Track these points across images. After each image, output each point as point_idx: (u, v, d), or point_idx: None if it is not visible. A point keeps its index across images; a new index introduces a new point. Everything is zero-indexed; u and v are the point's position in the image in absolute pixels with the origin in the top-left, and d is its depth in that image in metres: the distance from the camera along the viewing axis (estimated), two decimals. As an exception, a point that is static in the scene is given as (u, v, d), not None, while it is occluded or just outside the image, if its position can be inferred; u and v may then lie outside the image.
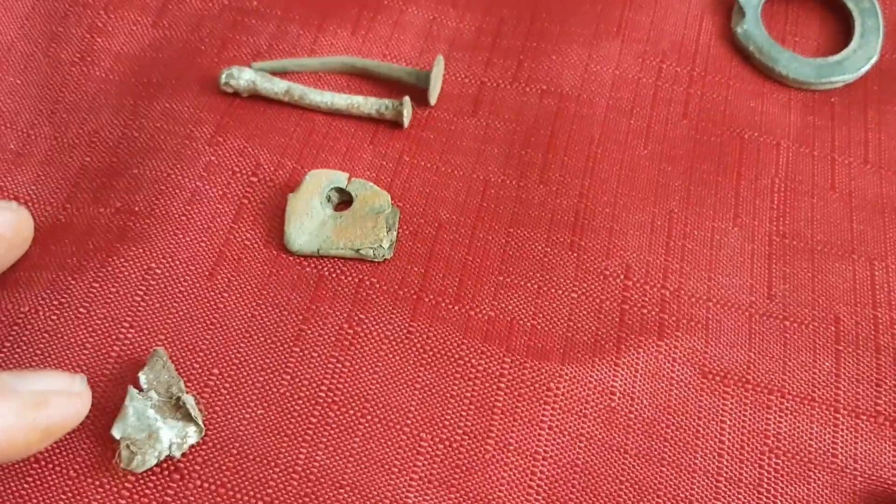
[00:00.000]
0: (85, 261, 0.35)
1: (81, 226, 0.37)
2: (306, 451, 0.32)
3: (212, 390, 0.33)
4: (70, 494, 0.30)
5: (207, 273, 0.35)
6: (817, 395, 0.34)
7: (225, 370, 0.33)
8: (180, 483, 0.31)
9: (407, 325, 0.35)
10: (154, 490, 0.31)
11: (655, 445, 0.33)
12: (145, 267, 0.35)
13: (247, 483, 0.31)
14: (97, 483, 0.31)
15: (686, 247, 0.38)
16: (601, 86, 0.43)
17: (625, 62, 0.44)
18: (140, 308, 0.34)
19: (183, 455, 0.31)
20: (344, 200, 0.38)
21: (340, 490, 0.31)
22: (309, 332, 0.34)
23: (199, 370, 0.33)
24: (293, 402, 0.33)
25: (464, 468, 0.32)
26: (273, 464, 0.31)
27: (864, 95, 0.43)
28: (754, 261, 0.37)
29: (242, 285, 0.35)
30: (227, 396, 0.33)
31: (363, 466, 0.32)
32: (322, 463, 0.32)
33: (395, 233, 0.37)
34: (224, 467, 0.31)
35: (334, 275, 0.36)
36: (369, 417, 0.33)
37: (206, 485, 0.31)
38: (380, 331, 0.35)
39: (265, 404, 0.33)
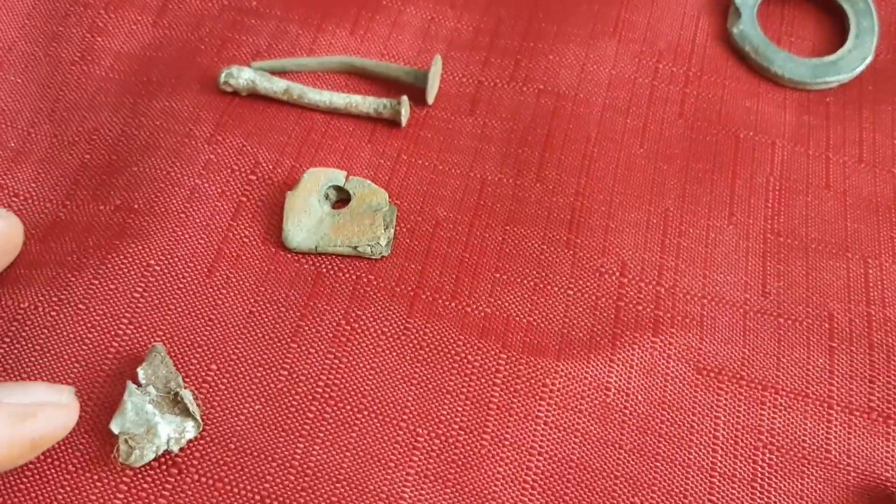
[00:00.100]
0: (84, 258, 0.35)
1: (81, 223, 0.37)
2: (303, 446, 0.32)
3: (210, 386, 0.33)
4: (68, 488, 0.31)
5: (206, 270, 0.36)
6: (811, 392, 0.34)
7: (223, 366, 0.34)
8: (178, 477, 0.31)
9: (404, 321, 0.35)
10: (152, 484, 0.31)
11: (650, 441, 0.33)
12: (144, 264, 0.35)
13: (244, 478, 0.31)
14: (95, 477, 0.31)
15: (681, 244, 0.38)
16: (598, 85, 0.43)
17: (621, 62, 0.44)
18: (139, 304, 0.34)
19: (181, 450, 0.32)
20: (342, 198, 0.39)
21: (337, 485, 0.31)
22: (306, 328, 0.35)
23: (198, 366, 0.33)
24: (291, 398, 0.33)
25: (460, 463, 0.32)
26: (270, 458, 0.32)
27: (859, 95, 0.43)
28: (749, 258, 0.38)
29: (241, 282, 0.36)
30: (225, 392, 0.33)
31: (360, 461, 0.32)
32: (319, 458, 0.32)
33: (392, 230, 0.37)
34: (222, 462, 0.32)
35: (332, 272, 0.36)
36: (366, 413, 0.33)
37: (203, 479, 0.31)
38: (377, 327, 0.35)
39: (263, 400, 0.33)
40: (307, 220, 0.37)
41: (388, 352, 0.34)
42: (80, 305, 0.34)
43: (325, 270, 0.36)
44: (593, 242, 0.38)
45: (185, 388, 0.32)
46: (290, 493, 0.31)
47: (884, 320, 0.36)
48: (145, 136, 0.40)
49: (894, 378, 0.35)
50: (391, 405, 0.33)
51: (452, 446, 0.32)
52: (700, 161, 0.41)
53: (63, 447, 0.31)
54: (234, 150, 0.39)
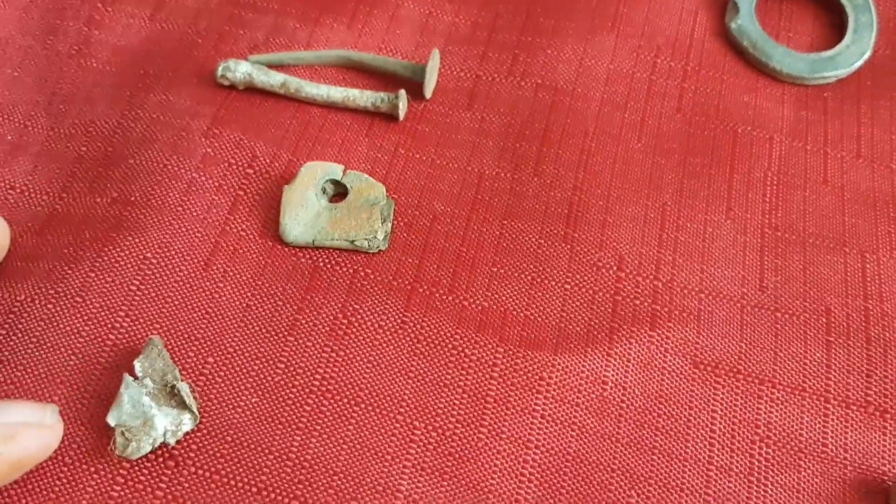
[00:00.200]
0: (81, 250, 0.35)
1: (78, 216, 0.37)
2: (300, 438, 0.32)
3: (207, 378, 0.33)
4: (65, 481, 0.31)
5: (203, 263, 0.36)
6: (808, 386, 0.34)
7: (220, 359, 0.34)
8: (175, 470, 0.31)
9: (401, 315, 0.35)
10: (149, 476, 0.31)
11: (647, 434, 0.33)
12: (141, 257, 0.35)
13: (241, 470, 0.31)
14: (92, 469, 0.31)
15: (679, 239, 0.38)
16: (596, 80, 0.43)
17: (619, 57, 0.44)
18: (136, 297, 0.34)
19: (177, 442, 0.32)
20: (339, 192, 0.38)
21: (334, 477, 0.31)
22: (303, 321, 0.35)
23: (195, 359, 0.33)
24: (288, 391, 0.33)
25: (456, 456, 0.32)
26: (267, 451, 0.32)
27: (857, 90, 0.43)
28: (746, 253, 0.38)
29: (238, 275, 0.36)
30: (222, 385, 0.33)
31: (357, 454, 0.32)
32: (316, 450, 0.32)
33: (389, 224, 0.37)
34: (218, 454, 0.32)
35: (329, 265, 0.36)
36: (363, 406, 0.33)
37: (200, 472, 0.31)
38: (374, 321, 0.35)
39: (260, 392, 0.33)
40: (304, 213, 0.37)
41: (385, 345, 0.34)
42: (77, 298, 0.34)
43: (322, 264, 0.36)
44: (591, 237, 0.38)
45: (182, 380, 0.32)
46: (287, 485, 0.31)
47: (881, 315, 0.36)
48: (142, 129, 0.39)
49: (891, 372, 0.35)
50: (388, 398, 0.33)
51: (449, 439, 0.32)
52: (698, 156, 0.41)
53: (61, 440, 0.31)
54: (232, 144, 0.39)
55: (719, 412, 0.34)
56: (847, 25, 0.45)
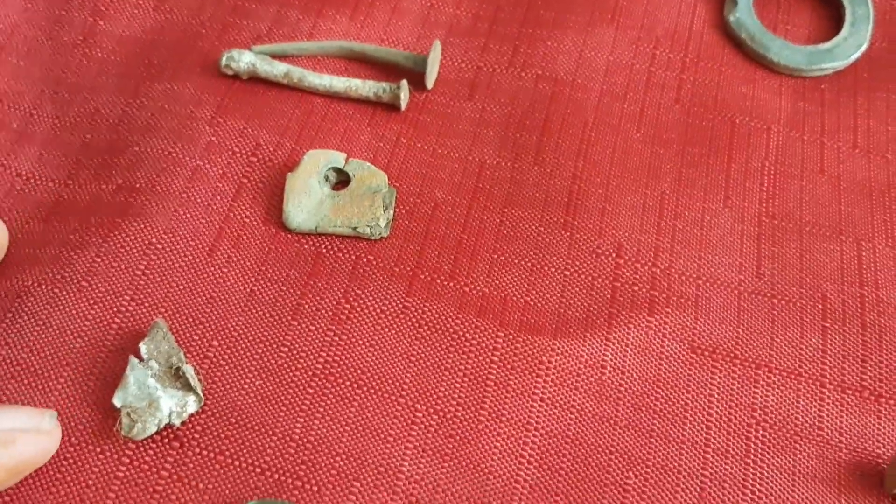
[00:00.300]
0: (87, 236, 0.36)
1: (84, 202, 0.37)
2: (303, 420, 0.32)
3: (211, 361, 0.33)
4: (71, 461, 0.31)
5: (208, 249, 0.36)
6: (804, 370, 0.35)
7: (224, 342, 0.34)
8: (179, 451, 0.32)
9: (403, 300, 0.36)
10: (154, 457, 0.31)
11: (645, 417, 0.34)
12: (146, 242, 0.36)
13: (245, 451, 0.32)
14: (98, 450, 0.31)
15: (677, 227, 0.38)
16: (595, 71, 0.44)
17: (619, 48, 0.44)
18: (141, 282, 0.35)
19: (182, 423, 0.32)
20: (342, 180, 0.39)
21: (336, 458, 0.32)
22: (307, 306, 0.35)
23: (199, 342, 0.34)
24: (291, 374, 0.33)
25: (457, 438, 0.33)
26: (271, 432, 0.32)
27: (854, 82, 0.44)
28: (744, 240, 0.38)
29: (242, 261, 0.36)
30: (227, 367, 0.33)
31: (359, 435, 0.32)
32: (319, 432, 0.32)
33: (391, 212, 0.38)
34: (223, 436, 0.32)
35: (332, 252, 0.37)
36: (365, 389, 0.33)
37: (204, 452, 0.32)
38: (376, 306, 0.35)
39: (263, 375, 0.33)
40: (307, 201, 0.37)
41: (387, 330, 0.35)
42: (83, 282, 0.35)
43: (324, 251, 0.37)
44: (590, 224, 0.38)
45: (187, 363, 0.33)
46: (289, 465, 0.32)
47: (876, 301, 0.37)
48: (147, 118, 0.40)
49: (886, 357, 0.35)
50: (390, 381, 0.34)
51: (450, 421, 0.33)
52: (696, 146, 0.41)
53: (66, 420, 0.32)
54: (236, 133, 0.40)
55: (716, 396, 0.34)
56: (844, 18, 0.45)
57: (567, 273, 0.37)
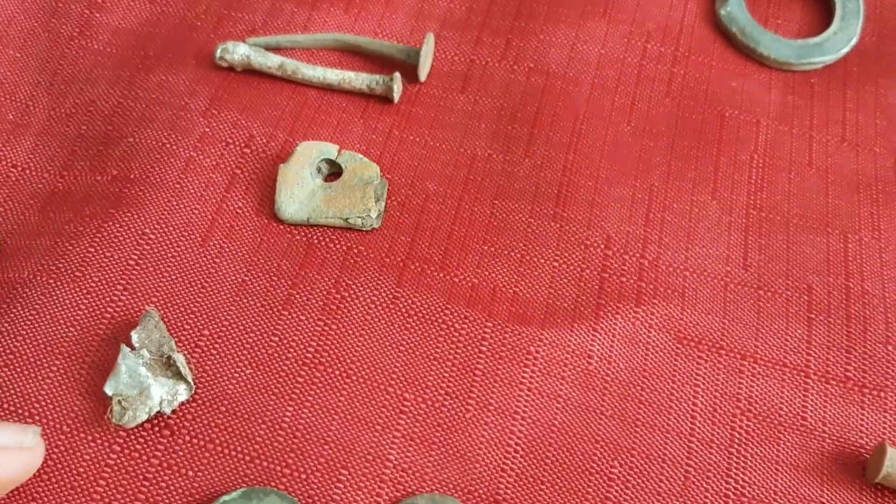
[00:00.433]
0: (81, 226, 0.36)
1: (79, 193, 0.38)
2: (293, 408, 0.33)
3: (202, 350, 0.34)
4: (63, 449, 0.31)
5: (200, 239, 0.37)
6: (789, 361, 0.35)
7: (215, 331, 0.34)
8: (170, 438, 0.32)
9: (393, 290, 0.36)
10: (144, 445, 0.32)
11: (631, 407, 0.34)
12: (140, 232, 0.36)
13: (235, 439, 0.32)
14: (89, 438, 0.32)
15: (665, 219, 0.39)
16: (587, 64, 0.44)
17: (610, 42, 0.45)
18: (134, 272, 0.35)
19: (173, 412, 0.32)
20: (334, 172, 0.39)
21: (325, 446, 0.32)
22: (298, 296, 0.36)
23: (191, 331, 0.34)
24: (281, 363, 0.34)
25: (445, 427, 0.33)
26: (260, 421, 0.33)
27: (844, 76, 0.44)
28: (731, 232, 0.39)
29: (234, 251, 0.36)
30: (217, 356, 0.34)
31: (348, 424, 0.33)
32: (308, 420, 0.33)
33: (383, 203, 0.38)
34: (213, 424, 0.32)
35: (323, 242, 0.37)
36: (354, 378, 0.34)
37: (195, 440, 0.32)
38: (366, 296, 0.36)
39: (254, 364, 0.34)
40: (299, 192, 0.38)
41: (377, 320, 0.35)
42: (77, 272, 0.35)
43: (316, 241, 0.37)
44: (579, 216, 0.39)
45: (178, 352, 0.33)
46: (279, 453, 0.32)
47: (861, 293, 0.37)
48: (141, 109, 0.40)
49: (870, 348, 0.36)
50: (379, 370, 0.34)
51: (438, 410, 0.33)
52: (686, 139, 0.41)
53: (58, 408, 0.32)
54: (229, 124, 0.40)
55: (701, 386, 0.35)
56: (834, 12, 0.46)
57: (556, 264, 0.37)
